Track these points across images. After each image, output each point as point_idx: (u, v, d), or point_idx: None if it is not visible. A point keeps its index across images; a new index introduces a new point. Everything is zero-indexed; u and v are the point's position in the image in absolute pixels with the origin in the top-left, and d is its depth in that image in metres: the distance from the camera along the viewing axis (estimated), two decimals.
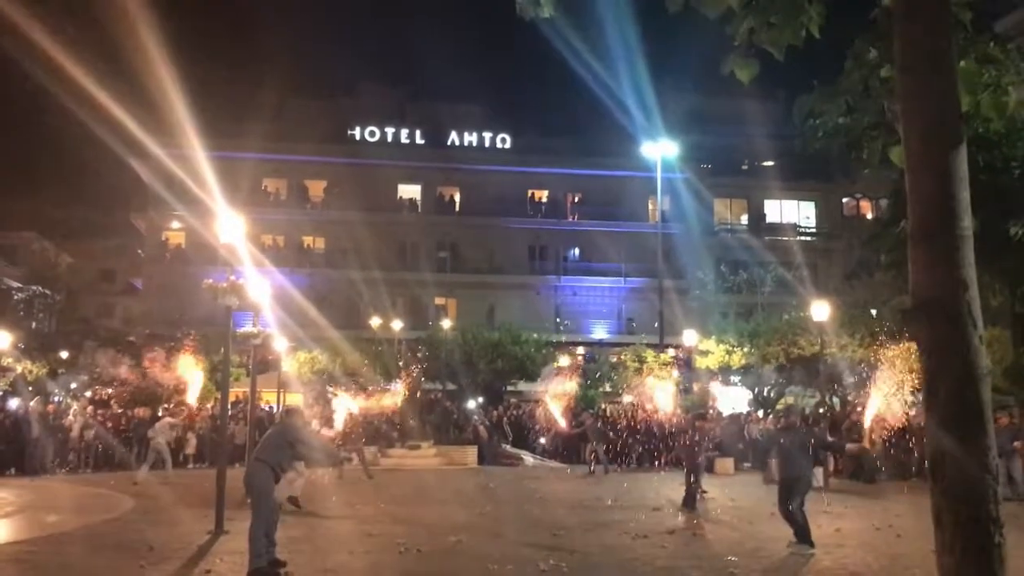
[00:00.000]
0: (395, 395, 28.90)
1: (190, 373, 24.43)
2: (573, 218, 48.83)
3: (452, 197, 49.28)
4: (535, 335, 36.38)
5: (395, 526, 13.87)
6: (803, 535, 11.62)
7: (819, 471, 19.02)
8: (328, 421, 20.17)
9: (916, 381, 13.16)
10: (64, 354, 36.06)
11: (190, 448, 26.26)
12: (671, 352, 32.78)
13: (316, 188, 48.29)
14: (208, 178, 23.31)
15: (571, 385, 28.25)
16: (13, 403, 27.47)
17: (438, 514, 15.62)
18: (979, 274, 3.63)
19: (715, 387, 31.23)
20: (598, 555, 11.51)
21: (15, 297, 46.01)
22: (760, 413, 30.52)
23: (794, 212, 50.35)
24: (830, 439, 18.63)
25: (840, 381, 26.79)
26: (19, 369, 30.70)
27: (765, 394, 32.14)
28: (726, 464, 25.16)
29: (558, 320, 46.59)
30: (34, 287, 47.03)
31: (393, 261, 44.71)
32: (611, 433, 27.10)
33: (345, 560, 10.92)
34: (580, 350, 44.58)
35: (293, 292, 33.22)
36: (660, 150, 36.83)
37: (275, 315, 23.88)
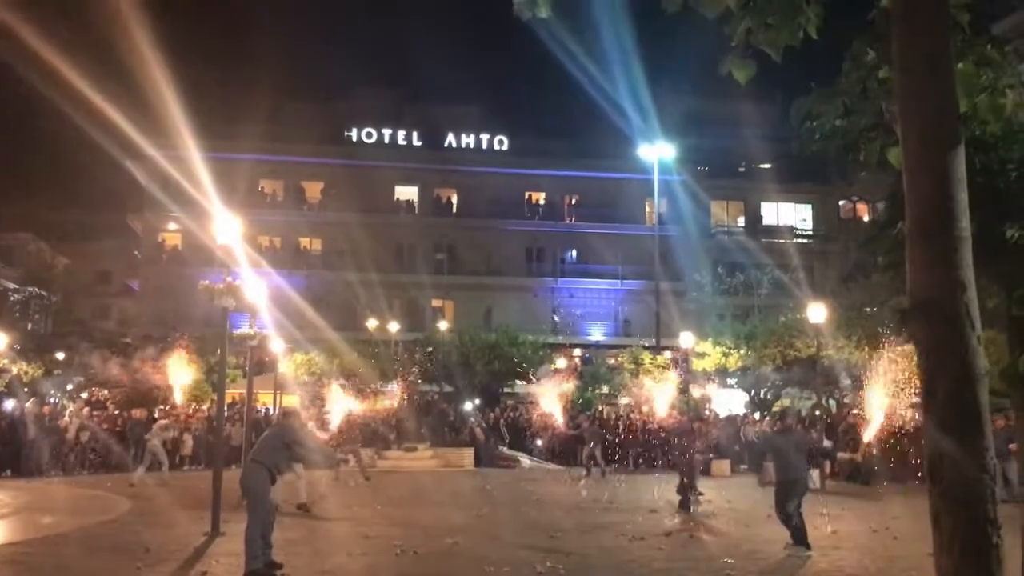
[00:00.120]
0: (392, 397, 28.89)
1: (180, 373, 24.41)
2: (570, 220, 48.80)
3: (449, 199, 49.25)
4: (531, 337, 36.37)
5: (392, 528, 13.87)
6: (800, 537, 11.63)
7: (816, 473, 19.08)
8: (323, 423, 20.16)
9: (914, 384, 13.18)
10: (60, 355, 35.98)
11: (186, 450, 26.22)
12: (668, 354, 32.78)
13: (313, 189, 48.23)
14: (204, 179, 23.30)
15: (567, 386, 28.26)
16: (9, 404, 27.44)
17: (435, 516, 15.62)
18: (976, 276, 3.63)
19: (712, 389, 31.23)
20: (595, 557, 11.51)
21: (11, 298, 45.93)
22: (757, 415, 30.54)
23: (791, 214, 50.40)
24: (826, 444, 18.70)
25: (837, 383, 26.81)
26: (15, 370, 30.65)
27: (762, 396, 32.16)
28: (723, 466, 25.19)
29: (555, 321, 46.57)
30: (30, 288, 46.94)
31: (390, 263, 44.67)
32: (608, 435, 27.09)
33: (342, 562, 10.91)
34: (577, 352, 44.56)
35: (290, 293, 33.17)
36: (657, 152, 36.88)
37: (272, 317, 23.81)
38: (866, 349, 23.43)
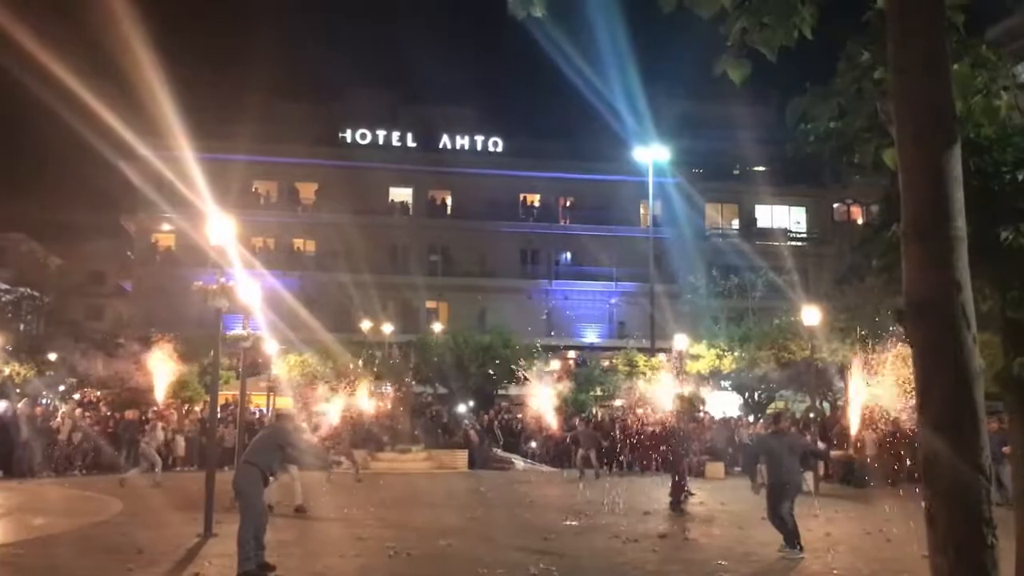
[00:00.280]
0: (386, 398, 28.86)
1: (163, 371, 24.32)
2: (565, 222, 48.84)
3: (444, 200, 49.23)
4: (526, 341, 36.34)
5: (385, 530, 13.84)
6: (792, 540, 11.64)
7: (809, 476, 19.09)
8: (315, 425, 20.14)
9: (908, 384, 13.19)
10: (52, 356, 35.87)
11: (179, 451, 26.15)
12: (662, 356, 32.78)
13: (307, 190, 48.18)
14: (198, 180, 23.29)
15: (561, 387, 28.26)
16: (1, 405, 27.33)
17: (428, 518, 15.59)
18: (970, 279, 3.62)
19: (706, 391, 31.23)
20: (588, 559, 11.49)
21: (3, 299, 45.73)
22: (751, 418, 30.56)
23: (785, 217, 50.50)
24: (820, 445, 18.73)
25: (830, 386, 26.84)
26: (7, 371, 30.56)
27: (756, 398, 32.18)
28: (717, 468, 25.21)
29: (547, 322, 46.55)
30: (23, 289, 46.75)
31: (384, 264, 44.65)
32: (602, 437, 27.09)
33: (335, 563, 10.89)
34: (571, 354, 44.57)
35: (283, 295, 33.15)
36: (652, 154, 36.91)
37: (265, 318, 23.81)
38: (857, 350, 23.47)
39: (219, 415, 22.23)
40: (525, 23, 4.96)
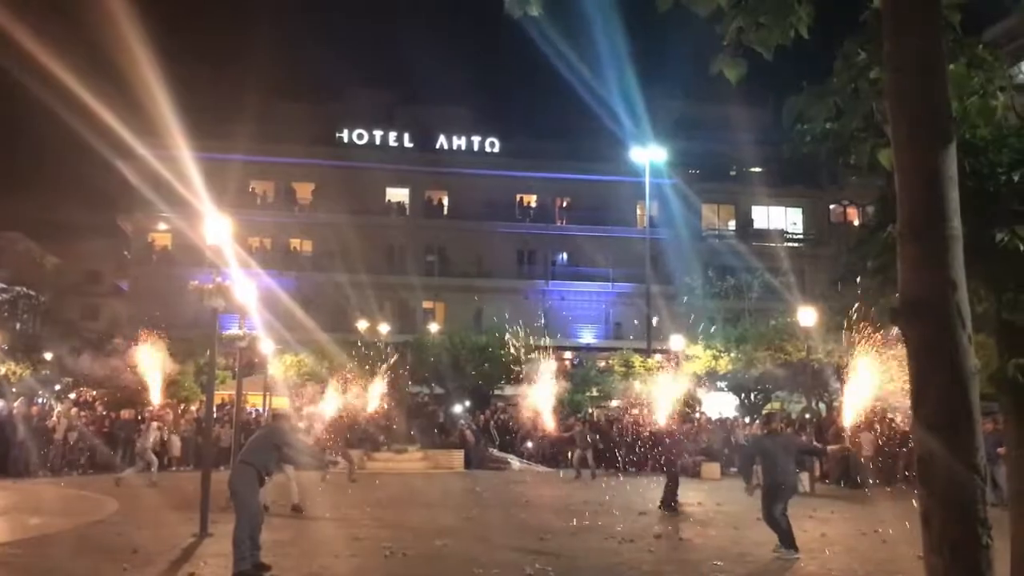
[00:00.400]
0: (382, 398, 28.81)
1: (151, 368, 24.18)
2: (561, 223, 48.83)
3: (440, 201, 49.22)
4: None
5: (381, 529, 13.83)
6: (787, 540, 11.64)
7: (805, 476, 19.11)
8: (310, 426, 20.10)
9: (903, 384, 13.19)
10: (48, 355, 35.83)
11: (175, 451, 26.11)
12: (658, 357, 32.79)
13: (304, 191, 48.15)
14: (194, 179, 23.26)
15: (557, 388, 28.24)
16: None
17: (424, 518, 15.58)
18: (965, 280, 3.62)
19: (702, 392, 31.25)
20: (584, 559, 11.49)
21: (0, 298, 45.70)
22: (747, 419, 30.57)
23: (781, 218, 50.53)
24: (815, 444, 18.74)
25: (826, 386, 26.86)
26: (3, 371, 30.50)
27: (752, 399, 32.19)
28: (713, 469, 25.22)
29: (543, 323, 46.52)
30: (19, 288, 46.70)
31: (381, 264, 44.64)
32: (598, 438, 27.09)
33: (330, 563, 10.87)
34: (568, 355, 44.55)
35: (280, 295, 33.10)
36: (649, 155, 36.92)
37: (261, 318, 23.76)
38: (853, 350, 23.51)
39: (215, 415, 22.23)
40: (522, 23, 4.96)
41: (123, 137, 26.88)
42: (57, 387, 33.97)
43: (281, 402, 27.50)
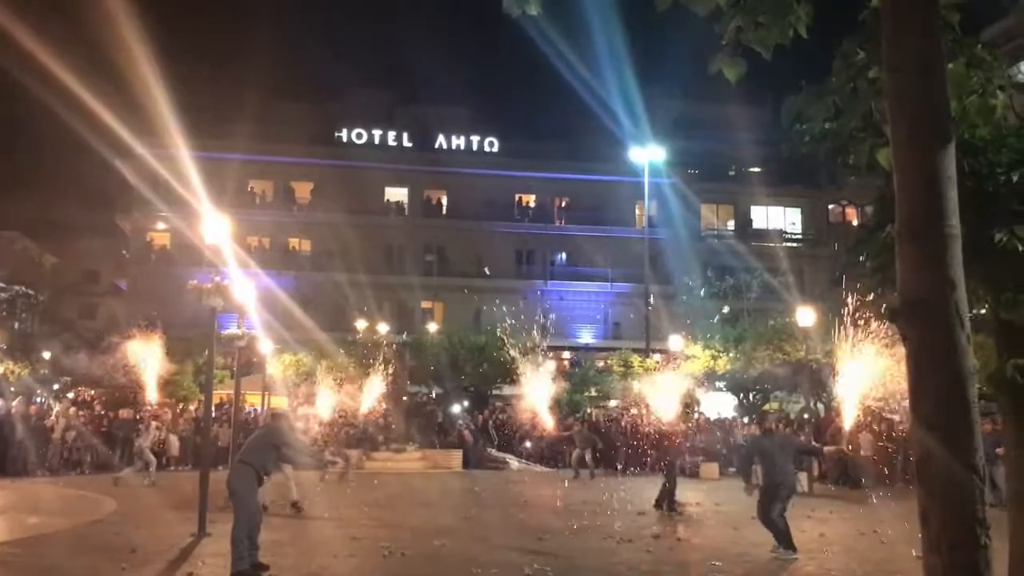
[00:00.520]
0: (381, 398, 28.80)
1: (147, 365, 24.16)
2: (560, 223, 48.83)
3: (439, 200, 49.22)
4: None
5: (379, 529, 13.83)
6: (784, 540, 11.63)
7: (803, 476, 19.11)
8: (308, 426, 20.10)
9: (901, 384, 13.19)
10: (46, 355, 35.79)
11: (173, 450, 26.11)
12: (657, 357, 32.79)
13: (302, 190, 48.14)
14: (193, 179, 23.24)
15: (556, 388, 28.25)
16: None
17: (423, 517, 15.58)
18: (964, 280, 3.62)
19: (701, 393, 31.24)
20: (582, 559, 11.48)
21: None
22: (746, 419, 30.56)
23: (780, 218, 50.55)
24: (813, 444, 18.78)
25: (825, 386, 26.84)
26: (1, 370, 30.47)
27: (751, 399, 32.18)
28: (711, 469, 25.22)
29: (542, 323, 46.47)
30: (17, 287, 46.64)
31: (379, 264, 44.63)
32: (597, 437, 27.08)
33: (328, 563, 10.86)
34: (567, 355, 44.53)
35: (279, 294, 33.06)
36: (648, 155, 36.94)
37: (260, 317, 23.75)
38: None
39: (213, 414, 22.23)
40: (521, 23, 4.96)
41: (122, 136, 26.85)
42: (55, 386, 33.93)
43: (280, 402, 27.50)
